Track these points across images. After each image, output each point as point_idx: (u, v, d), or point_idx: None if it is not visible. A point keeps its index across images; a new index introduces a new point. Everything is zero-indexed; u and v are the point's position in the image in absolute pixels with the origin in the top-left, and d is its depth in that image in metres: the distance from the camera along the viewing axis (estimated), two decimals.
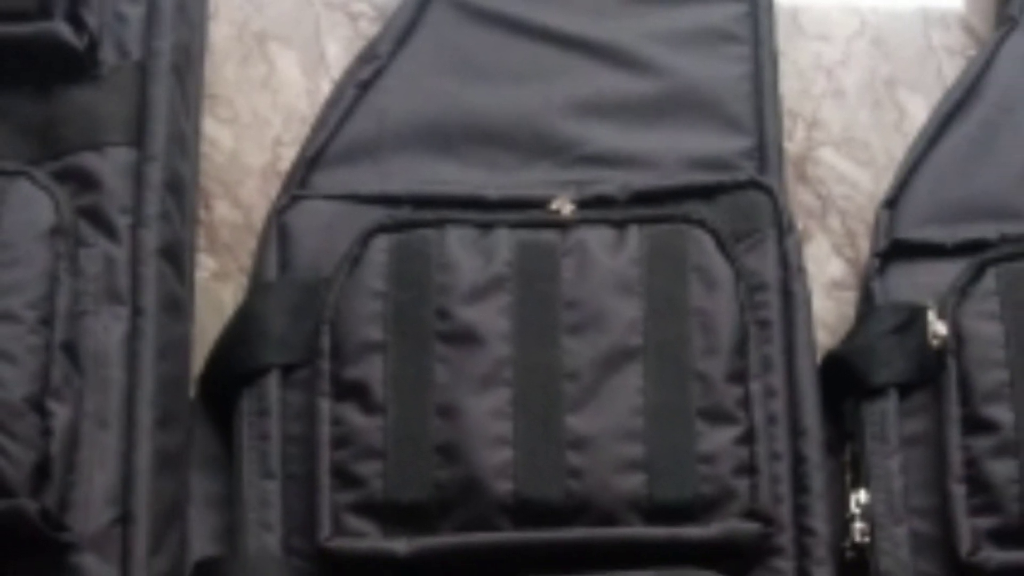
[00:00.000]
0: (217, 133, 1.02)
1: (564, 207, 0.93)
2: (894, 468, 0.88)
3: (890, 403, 0.90)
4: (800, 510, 0.87)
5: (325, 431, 0.87)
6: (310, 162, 0.96)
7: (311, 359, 0.89)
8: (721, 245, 0.91)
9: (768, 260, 0.93)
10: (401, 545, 0.84)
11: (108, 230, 0.90)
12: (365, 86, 0.98)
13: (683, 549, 0.84)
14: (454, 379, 0.87)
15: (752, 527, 0.85)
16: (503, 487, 0.84)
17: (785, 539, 0.87)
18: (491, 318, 0.88)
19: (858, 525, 0.87)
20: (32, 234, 0.86)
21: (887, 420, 0.89)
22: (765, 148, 0.97)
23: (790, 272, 0.92)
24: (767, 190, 0.95)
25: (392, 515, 0.85)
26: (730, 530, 0.85)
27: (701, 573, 0.84)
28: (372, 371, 0.87)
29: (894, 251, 0.95)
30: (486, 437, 0.85)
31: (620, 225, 0.91)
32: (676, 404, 0.87)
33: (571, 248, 0.91)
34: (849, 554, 0.88)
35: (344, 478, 0.86)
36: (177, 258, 0.92)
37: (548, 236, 0.91)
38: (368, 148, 0.97)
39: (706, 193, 0.95)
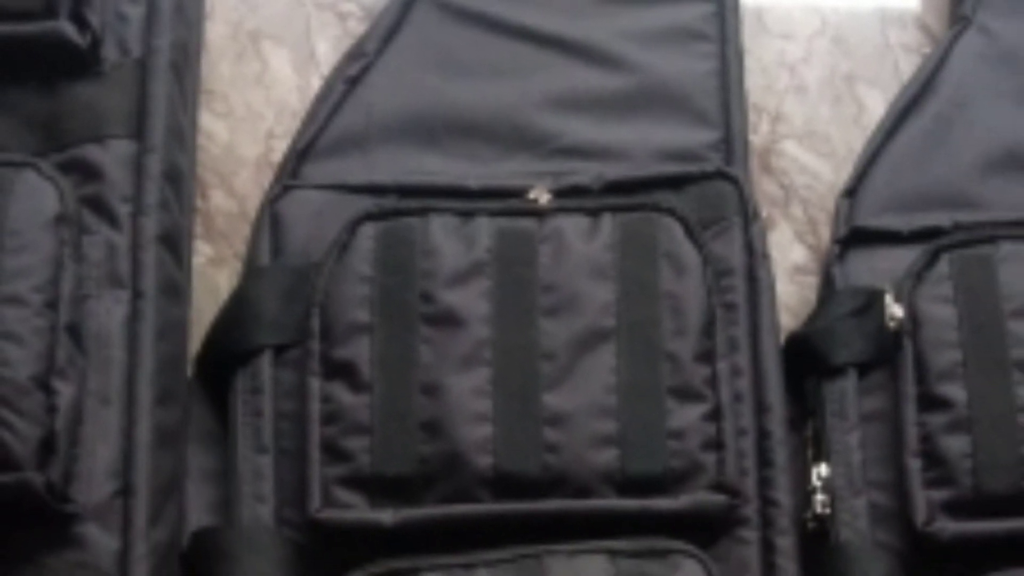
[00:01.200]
0: (213, 126, 1.02)
1: (541, 196, 0.92)
2: (853, 443, 0.88)
3: (849, 382, 0.90)
4: (764, 483, 0.87)
5: (315, 408, 0.86)
6: (301, 154, 0.96)
7: (302, 340, 0.89)
8: (689, 232, 0.90)
9: (734, 246, 0.92)
10: (387, 516, 0.83)
11: (110, 218, 0.89)
12: (353, 82, 0.97)
13: (654, 520, 0.84)
14: (437, 359, 0.86)
15: (719, 499, 0.85)
16: (483, 461, 0.84)
17: (750, 510, 0.86)
18: (472, 301, 0.87)
19: (819, 497, 0.87)
20: (38, 222, 0.85)
21: (846, 398, 0.89)
22: (731, 141, 0.97)
23: (755, 258, 0.92)
24: (733, 180, 0.94)
25: (378, 488, 0.84)
26: (698, 502, 0.85)
27: (671, 542, 0.83)
28: (360, 351, 0.87)
29: (853, 238, 0.95)
30: (467, 414, 0.85)
31: (594, 213, 0.91)
32: (647, 382, 0.86)
33: (548, 235, 0.90)
34: (811, 524, 0.88)
35: (333, 453, 0.85)
36: (175, 245, 0.92)
37: (526, 224, 0.90)
38: (356, 140, 0.96)
39: (675, 183, 0.94)
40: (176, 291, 0.91)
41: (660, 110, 0.97)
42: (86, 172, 0.89)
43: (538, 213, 0.91)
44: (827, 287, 0.94)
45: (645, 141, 0.96)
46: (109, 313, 0.86)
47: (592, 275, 0.88)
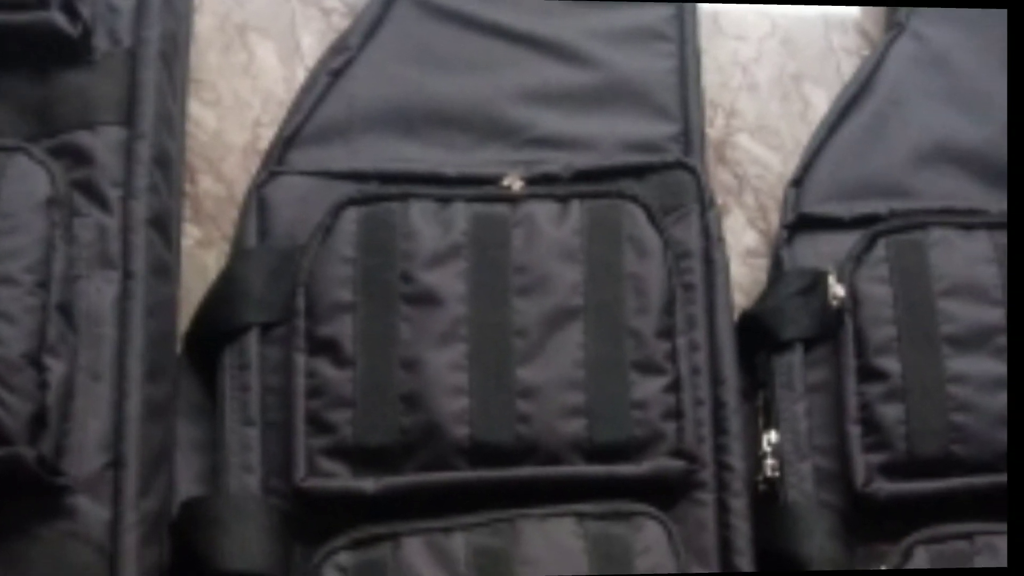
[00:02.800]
0: (202, 114, 0.98)
1: (514, 183, 0.90)
2: (800, 412, 0.88)
3: (796, 356, 0.89)
4: (720, 449, 0.87)
5: (300, 383, 0.84)
6: (286, 141, 0.93)
7: (287, 318, 0.86)
8: (651, 218, 0.89)
9: (692, 231, 0.91)
10: (369, 484, 0.81)
11: (101, 201, 0.85)
12: (336, 74, 0.95)
13: (619, 484, 0.83)
14: (416, 336, 0.84)
15: (678, 464, 0.84)
16: (460, 431, 0.82)
17: (707, 474, 0.86)
18: (449, 281, 0.86)
19: (769, 461, 0.87)
20: (30, 204, 0.81)
21: (794, 370, 0.89)
22: (689, 133, 0.96)
23: (711, 242, 0.91)
24: (691, 170, 0.93)
25: (361, 457, 0.82)
26: (659, 467, 0.84)
27: (634, 505, 0.82)
28: (343, 329, 0.84)
29: (800, 224, 0.95)
30: (445, 387, 0.83)
31: (564, 200, 0.90)
32: (612, 357, 0.85)
33: (520, 220, 0.88)
34: (761, 487, 0.87)
35: (317, 425, 0.83)
36: (165, 227, 0.88)
37: (500, 209, 0.89)
38: (339, 129, 0.93)
39: (638, 172, 0.93)
40: (165, 271, 0.88)
41: (624, 104, 0.96)
42: (77, 157, 0.86)
43: (511, 199, 0.89)
44: (776, 269, 0.93)
45: (610, 133, 0.95)
46: (100, 292, 0.83)
47: (561, 257, 0.87)
